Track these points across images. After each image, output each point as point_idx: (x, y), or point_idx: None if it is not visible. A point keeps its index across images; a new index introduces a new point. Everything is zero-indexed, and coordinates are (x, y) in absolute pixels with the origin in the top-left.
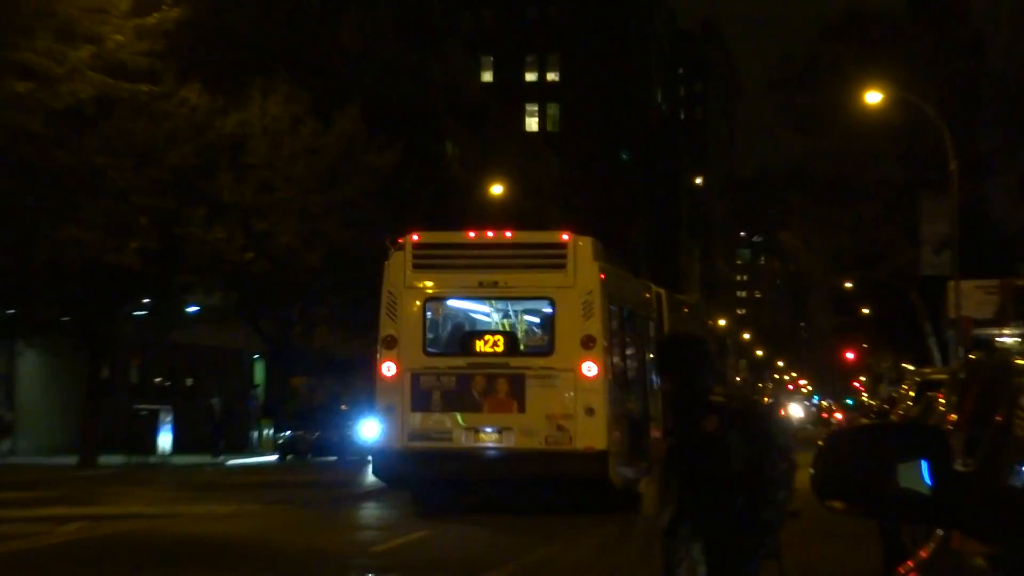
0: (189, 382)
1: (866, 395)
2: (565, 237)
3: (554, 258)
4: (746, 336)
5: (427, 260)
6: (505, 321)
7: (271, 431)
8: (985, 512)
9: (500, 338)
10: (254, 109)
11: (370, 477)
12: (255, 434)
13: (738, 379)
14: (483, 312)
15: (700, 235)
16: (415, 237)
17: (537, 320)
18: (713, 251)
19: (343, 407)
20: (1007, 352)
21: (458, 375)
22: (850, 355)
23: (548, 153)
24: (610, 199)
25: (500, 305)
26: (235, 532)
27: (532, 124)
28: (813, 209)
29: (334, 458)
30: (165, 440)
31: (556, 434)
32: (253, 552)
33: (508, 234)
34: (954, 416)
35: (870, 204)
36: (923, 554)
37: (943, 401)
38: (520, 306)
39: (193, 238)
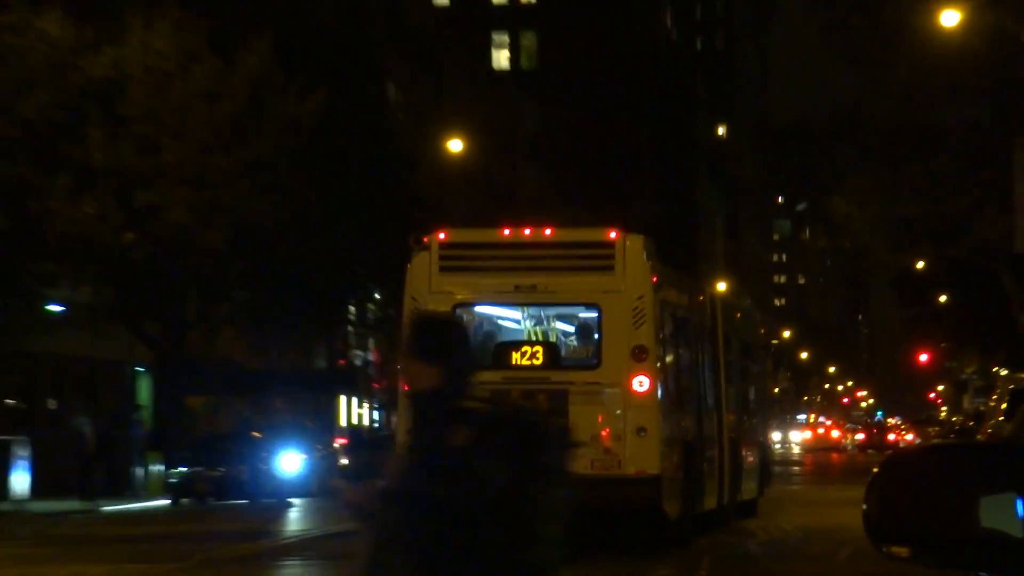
0: (52, 404)
1: (945, 409)
2: (613, 235)
3: (601, 259)
4: (786, 334)
5: (456, 262)
6: (545, 330)
7: (160, 467)
8: None
9: (539, 349)
10: (133, 43)
11: (293, 526)
12: (139, 471)
13: (776, 390)
14: (520, 320)
15: (724, 202)
16: (442, 235)
17: (581, 329)
18: (741, 223)
19: (256, 435)
20: None
21: (492, 391)
22: (924, 357)
23: (522, 97)
24: (604, 156)
25: (539, 312)
26: None
27: (501, 59)
28: (872, 166)
29: (244, 501)
30: (20, 481)
31: (603, 457)
32: None
33: (548, 231)
34: None
35: (947, 158)
36: None
37: None
38: (562, 313)
39: (54, 214)
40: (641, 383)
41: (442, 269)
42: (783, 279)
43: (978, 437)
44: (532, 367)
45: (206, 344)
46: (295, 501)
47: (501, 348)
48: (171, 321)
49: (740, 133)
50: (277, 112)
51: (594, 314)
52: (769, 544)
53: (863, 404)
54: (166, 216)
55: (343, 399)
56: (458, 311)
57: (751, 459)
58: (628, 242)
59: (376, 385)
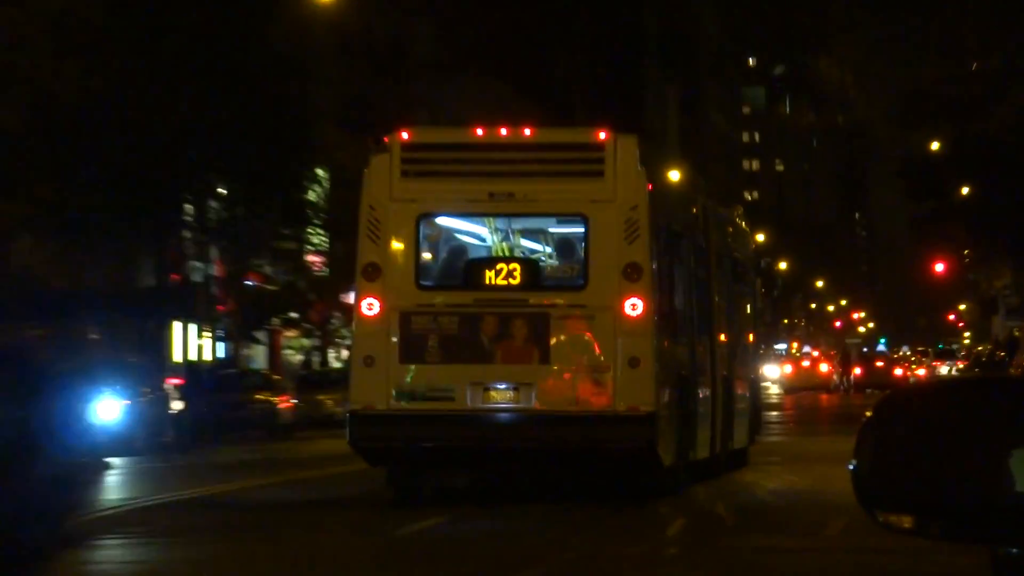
0: None
1: (969, 336)
2: (603, 135)
3: (588, 162)
4: (760, 238)
5: (421, 165)
6: (523, 245)
7: None
8: None
9: (517, 267)
10: None
11: (111, 494)
12: None
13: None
14: (495, 233)
15: (679, 65)
16: (404, 135)
17: (565, 244)
18: (702, 93)
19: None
20: None
21: (461, 315)
22: (940, 268)
23: None
24: (516, 6)
25: (517, 224)
26: None
27: None
28: (872, 15)
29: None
30: None
31: (591, 391)
32: None
33: (527, 131)
34: None
35: (972, 7)
36: None
37: None
38: (543, 225)
39: None
40: (634, 306)
41: (404, 174)
42: (755, 165)
43: (1010, 371)
44: (508, 287)
45: None
46: (113, 461)
47: (472, 265)
48: None
49: None
50: None
51: (580, 227)
52: (747, 511)
53: (861, 329)
54: None
55: (177, 326)
56: (423, 222)
57: (743, 400)
58: (620, 144)
59: (220, 308)
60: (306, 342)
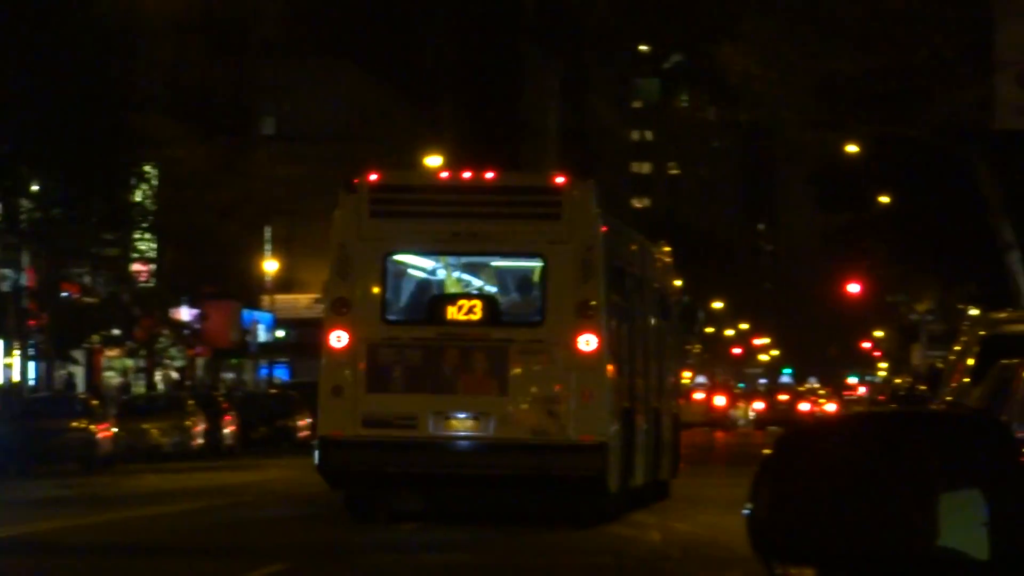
0: None
1: (886, 366)
2: (560, 180)
3: (547, 205)
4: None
5: (389, 206)
6: (485, 282)
7: None
8: None
9: (478, 303)
10: None
11: None
12: None
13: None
14: (458, 271)
15: (560, 52)
16: (373, 177)
17: (524, 282)
18: (587, 83)
19: None
20: None
21: (425, 348)
22: (854, 288)
23: None
24: None
25: (479, 262)
26: None
27: None
28: (783, 1)
29: None
30: None
31: (546, 422)
32: None
33: (489, 175)
34: None
35: None
36: None
37: None
38: (504, 264)
39: None
40: (588, 342)
41: (373, 214)
42: (647, 168)
43: (932, 407)
44: (469, 323)
45: None
46: None
47: (435, 301)
48: None
49: None
50: None
51: (538, 265)
52: (635, 560)
53: (763, 357)
54: None
55: None
56: (390, 260)
57: (668, 432)
58: (577, 189)
59: (32, 322)
60: (130, 363)
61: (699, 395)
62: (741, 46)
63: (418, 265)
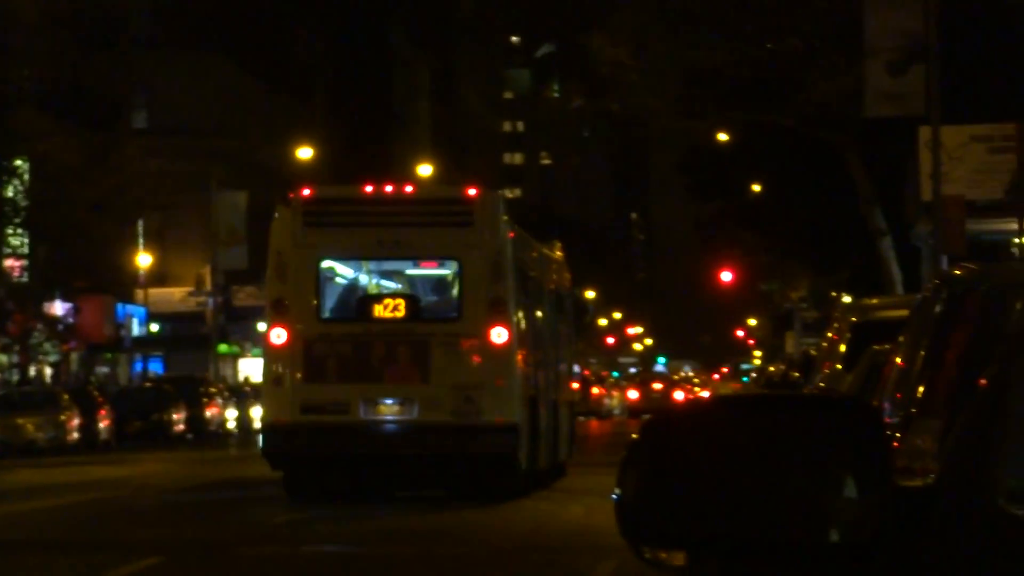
0: None
1: (759, 354)
2: (472, 192)
3: (460, 215)
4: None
5: (320, 217)
6: (407, 284)
7: None
8: (950, 564)
9: (401, 302)
10: None
11: None
12: None
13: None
14: (383, 274)
15: (431, 42)
16: (306, 192)
17: (441, 283)
18: (458, 75)
19: None
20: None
21: (355, 342)
22: (727, 276)
23: None
24: None
25: (401, 266)
26: None
27: None
28: None
29: None
30: None
31: (463, 406)
32: None
33: (409, 188)
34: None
35: None
36: None
37: (899, 361)
38: (423, 267)
39: None
40: (499, 334)
41: (306, 224)
42: (518, 158)
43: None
44: (395, 320)
45: None
46: None
47: (364, 300)
48: None
49: None
50: None
51: (454, 268)
52: (505, 552)
53: (637, 346)
54: None
55: None
56: (322, 265)
57: (566, 419)
58: (487, 199)
59: None
60: (3, 358)
61: (573, 385)
62: (611, 36)
63: (348, 269)
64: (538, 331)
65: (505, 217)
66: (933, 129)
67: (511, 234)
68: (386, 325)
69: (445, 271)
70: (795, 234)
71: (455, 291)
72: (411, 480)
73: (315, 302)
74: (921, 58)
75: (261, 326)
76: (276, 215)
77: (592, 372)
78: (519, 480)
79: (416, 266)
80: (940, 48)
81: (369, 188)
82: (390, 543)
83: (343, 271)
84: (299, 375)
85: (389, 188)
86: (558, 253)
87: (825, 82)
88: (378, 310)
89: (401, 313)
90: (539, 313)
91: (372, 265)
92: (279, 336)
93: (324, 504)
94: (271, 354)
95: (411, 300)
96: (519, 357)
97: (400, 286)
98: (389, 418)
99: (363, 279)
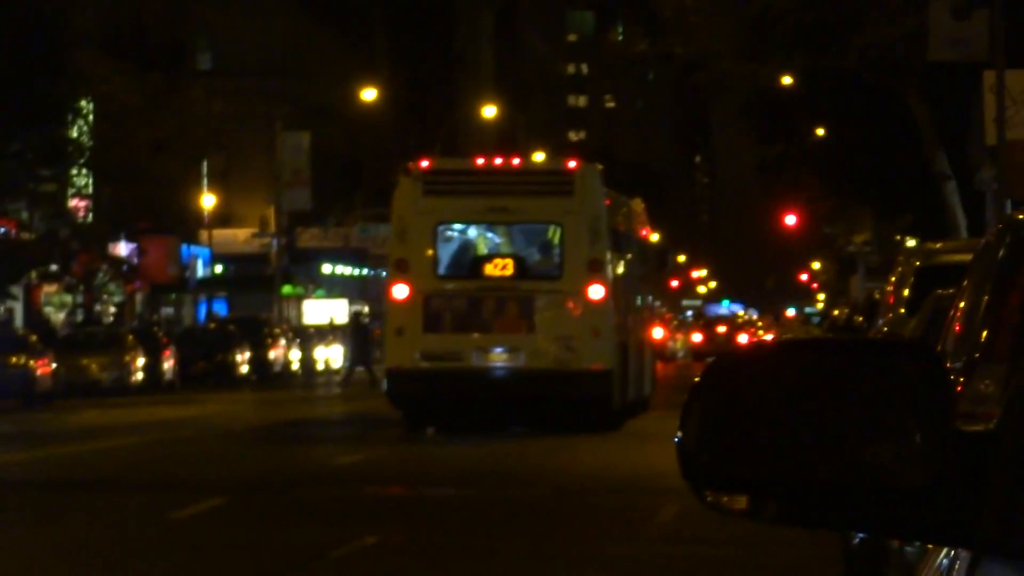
0: None
1: (823, 297)
2: (572, 164)
3: (562, 184)
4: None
5: (437, 186)
6: (515, 245)
7: None
8: (1013, 510)
9: (509, 261)
10: None
11: None
12: None
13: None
14: (493, 236)
15: None
16: (424, 164)
17: (545, 245)
18: (521, 16)
19: None
20: None
21: (468, 297)
22: (791, 220)
23: None
24: None
25: (510, 230)
26: None
27: None
28: None
29: None
30: None
31: (564, 354)
32: None
33: (515, 161)
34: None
35: None
36: None
37: (963, 305)
38: (529, 230)
39: None
40: (597, 291)
41: (425, 192)
42: (582, 101)
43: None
44: (504, 277)
45: None
46: None
47: (477, 260)
48: None
49: None
50: None
51: (557, 232)
52: (560, 495)
53: (702, 289)
54: None
55: None
56: (439, 228)
57: (649, 362)
58: (586, 171)
59: None
60: (68, 298)
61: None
62: None
63: (462, 232)
64: (627, 284)
65: (602, 187)
66: (998, 73)
67: (607, 201)
68: (496, 282)
69: (548, 234)
70: (858, 178)
71: (557, 252)
72: (517, 418)
73: (433, 262)
74: (985, 2)
75: (328, 268)
76: (399, 184)
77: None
78: (612, 417)
79: (522, 227)
80: None
81: (480, 160)
82: (455, 485)
83: (457, 234)
84: (419, 326)
85: (499, 160)
86: (641, 207)
87: (889, 26)
88: (489, 269)
89: (509, 271)
90: (628, 267)
91: (483, 228)
92: (401, 291)
93: (391, 445)
94: (394, 308)
95: (518, 260)
96: (613, 310)
97: (509, 247)
98: (499, 365)
99: (475, 241)
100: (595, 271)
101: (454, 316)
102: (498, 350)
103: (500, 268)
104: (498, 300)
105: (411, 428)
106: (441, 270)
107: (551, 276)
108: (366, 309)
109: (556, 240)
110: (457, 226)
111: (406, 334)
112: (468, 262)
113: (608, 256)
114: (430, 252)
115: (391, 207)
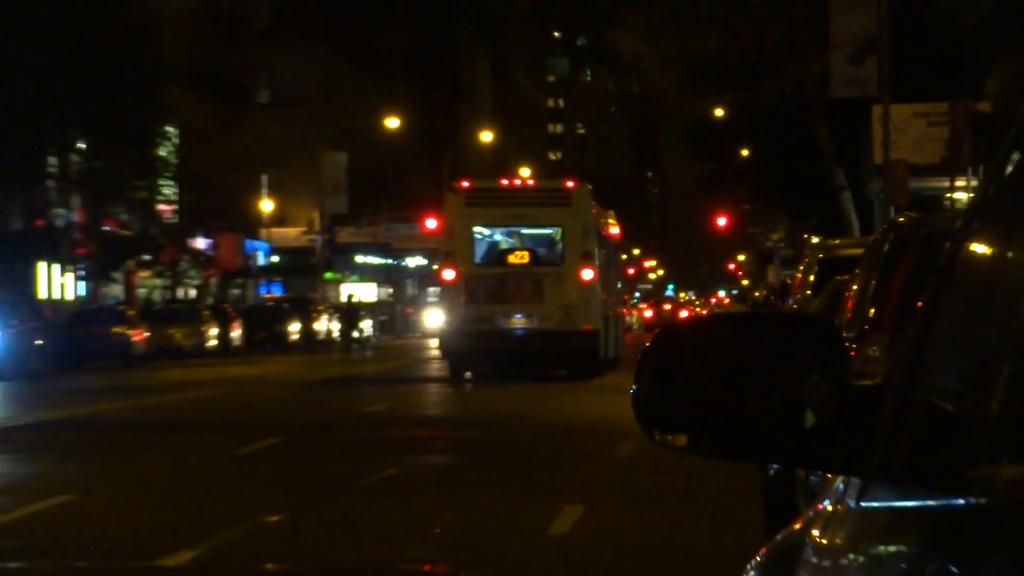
0: None
1: (747, 282)
2: (570, 184)
3: (563, 198)
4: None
5: (474, 200)
6: (528, 241)
7: None
8: (891, 446)
9: (526, 253)
10: None
11: None
12: None
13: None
14: (513, 235)
15: (490, 36)
16: (465, 184)
17: (550, 241)
18: (511, 61)
19: None
20: (952, 211)
21: (497, 278)
22: (722, 221)
23: None
24: None
25: (525, 231)
26: None
27: None
28: None
29: None
30: None
31: (565, 318)
32: None
33: (530, 182)
34: (872, 310)
35: None
36: (814, 510)
37: (856, 288)
38: (539, 231)
39: None
40: (587, 274)
41: (466, 204)
42: (559, 128)
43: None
44: (521, 264)
45: None
46: None
47: (502, 252)
48: None
49: None
50: None
51: (559, 232)
52: (541, 436)
53: (652, 276)
54: None
55: (42, 266)
56: (476, 229)
57: (619, 328)
58: (579, 189)
59: (81, 250)
60: (157, 281)
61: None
62: (631, 32)
63: (492, 231)
64: (606, 271)
65: (591, 200)
66: (883, 107)
67: (594, 211)
68: (516, 267)
69: (553, 234)
70: (775, 189)
71: (559, 246)
72: (530, 365)
73: (471, 253)
74: (874, 51)
75: (360, 258)
76: (447, 198)
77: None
78: (599, 365)
79: (535, 230)
80: (890, 43)
81: (505, 181)
82: (453, 427)
83: (488, 233)
84: (462, 299)
85: (518, 181)
86: (613, 219)
87: (799, 69)
88: (511, 258)
89: (526, 260)
90: (606, 259)
91: (506, 230)
92: (450, 274)
93: (410, 396)
94: (445, 286)
95: (532, 252)
96: (599, 288)
97: (525, 242)
98: (518, 327)
99: (501, 238)
100: (586, 260)
101: (486, 292)
102: (517, 316)
103: (519, 257)
104: (517, 280)
105: (454, 373)
106: (477, 259)
107: (555, 263)
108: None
109: (558, 238)
110: (488, 228)
111: (453, 305)
112: (496, 253)
113: (595, 250)
114: (469, 246)
115: (442, 214)
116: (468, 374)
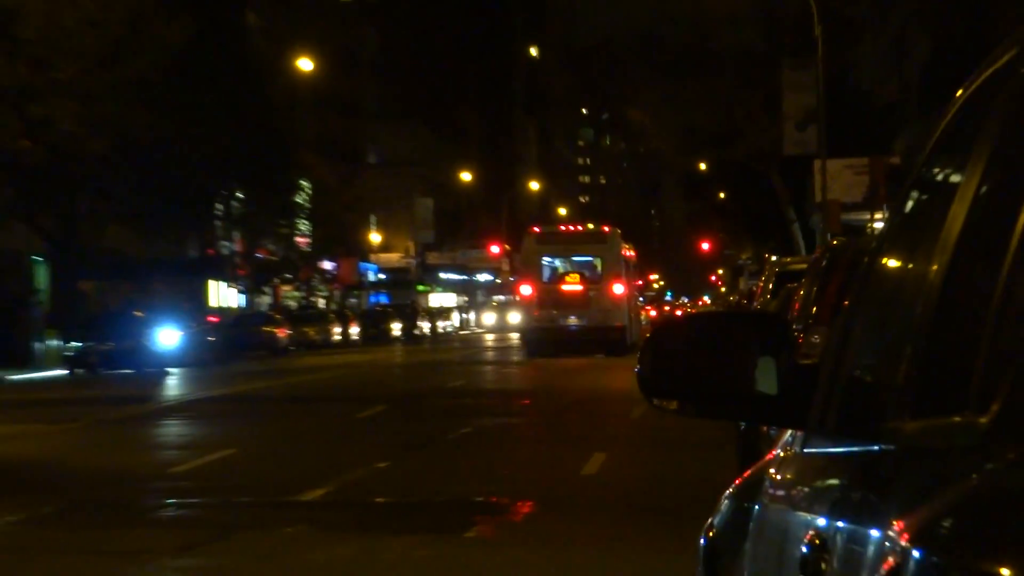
0: None
1: (724, 289)
2: (606, 229)
3: (602, 239)
4: (590, 226)
5: (542, 239)
6: (578, 267)
7: (58, 342)
8: (826, 407)
9: (577, 276)
10: None
11: (171, 391)
12: (39, 346)
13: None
14: (568, 263)
15: (536, 113)
16: (536, 229)
17: (592, 267)
18: (552, 131)
19: (138, 314)
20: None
21: (557, 292)
22: (705, 245)
23: (364, 23)
24: (435, 74)
25: (576, 259)
26: (20, 454)
27: None
28: (663, 82)
29: (129, 371)
30: None
31: (604, 318)
32: (41, 476)
33: (580, 227)
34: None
35: (726, 75)
36: (769, 455)
37: (802, 293)
38: (586, 260)
39: None
40: (618, 289)
41: (536, 242)
42: (587, 179)
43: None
44: (574, 284)
45: (95, 235)
46: (172, 370)
47: (561, 274)
48: (64, 216)
49: (551, 53)
50: (152, 36)
51: (599, 261)
52: (576, 403)
53: (655, 285)
54: (58, 126)
55: (212, 283)
56: (543, 260)
57: (638, 325)
58: (612, 231)
59: (240, 272)
60: (296, 293)
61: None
62: (640, 108)
63: (554, 261)
64: (630, 284)
65: (620, 239)
66: (822, 162)
67: (624, 246)
68: (570, 285)
69: (595, 262)
70: (744, 221)
71: (599, 270)
72: (580, 350)
73: (540, 275)
74: (815, 120)
75: (443, 275)
76: (525, 237)
77: None
78: (626, 348)
79: (582, 259)
80: (826, 115)
81: (563, 227)
82: (512, 397)
83: (551, 261)
84: (535, 306)
85: (572, 227)
86: (628, 248)
87: (760, 135)
88: (567, 279)
89: (576, 280)
90: (629, 277)
91: (564, 259)
92: (527, 290)
93: (483, 375)
94: (523, 298)
95: (580, 274)
96: (625, 298)
97: (576, 269)
98: (572, 324)
99: (560, 265)
100: (617, 279)
101: (551, 301)
102: (572, 317)
103: (572, 279)
104: (572, 294)
105: (530, 353)
106: (544, 279)
107: (596, 282)
108: (460, 299)
109: (598, 265)
110: (551, 258)
111: (529, 311)
112: (557, 275)
113: (623, 272)
114: (539, 270)
115: (520, 249)
116: (536, 353)
